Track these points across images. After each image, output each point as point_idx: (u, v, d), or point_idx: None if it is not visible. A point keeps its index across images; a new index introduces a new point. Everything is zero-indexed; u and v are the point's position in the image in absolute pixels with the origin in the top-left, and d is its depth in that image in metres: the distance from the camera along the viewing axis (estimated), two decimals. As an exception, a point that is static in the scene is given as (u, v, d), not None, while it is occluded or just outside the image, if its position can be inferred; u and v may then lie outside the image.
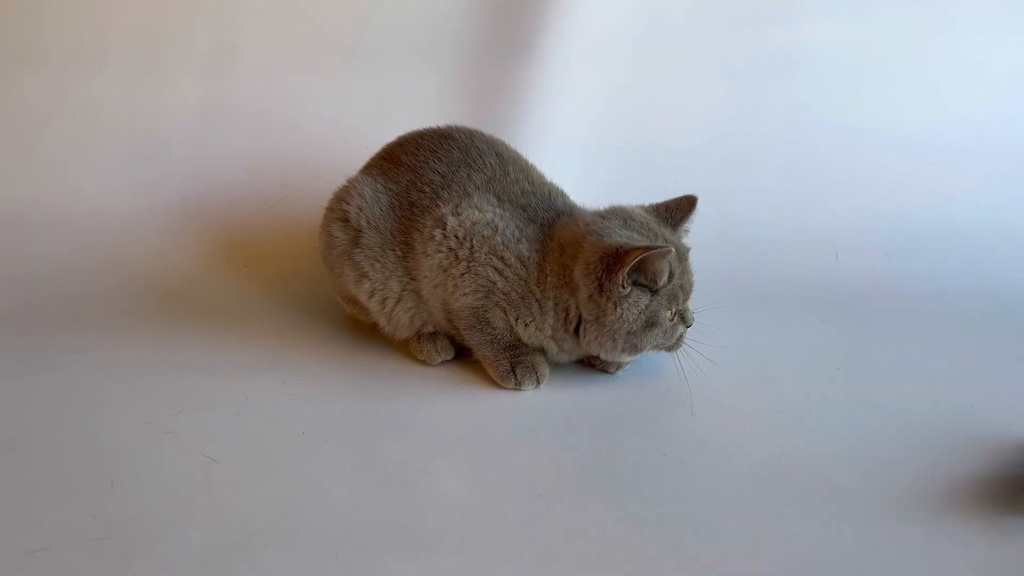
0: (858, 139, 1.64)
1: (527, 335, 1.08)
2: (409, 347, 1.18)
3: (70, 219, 1.52)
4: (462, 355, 1.17)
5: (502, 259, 1.07)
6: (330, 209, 1.19)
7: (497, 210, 1.10)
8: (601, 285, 1.00)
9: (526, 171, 1.17)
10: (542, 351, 1.11)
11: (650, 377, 1.13)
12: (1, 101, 1.56)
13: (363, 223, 1.14)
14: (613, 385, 1.11)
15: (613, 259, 0.99)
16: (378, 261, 1.14)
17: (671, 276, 1.03)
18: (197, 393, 1.08)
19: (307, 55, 1.61)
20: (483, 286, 1.08)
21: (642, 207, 1.12)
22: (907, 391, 1.09)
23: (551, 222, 1.09)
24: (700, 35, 1.65)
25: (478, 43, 1.62)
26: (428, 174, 1.14)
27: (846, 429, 1.00)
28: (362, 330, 1.25)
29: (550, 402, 1.06)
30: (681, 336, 1.08)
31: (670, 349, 1.08)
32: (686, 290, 1.07)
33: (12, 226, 1.50)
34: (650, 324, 1.03)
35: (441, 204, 1.11)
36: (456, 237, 1.09)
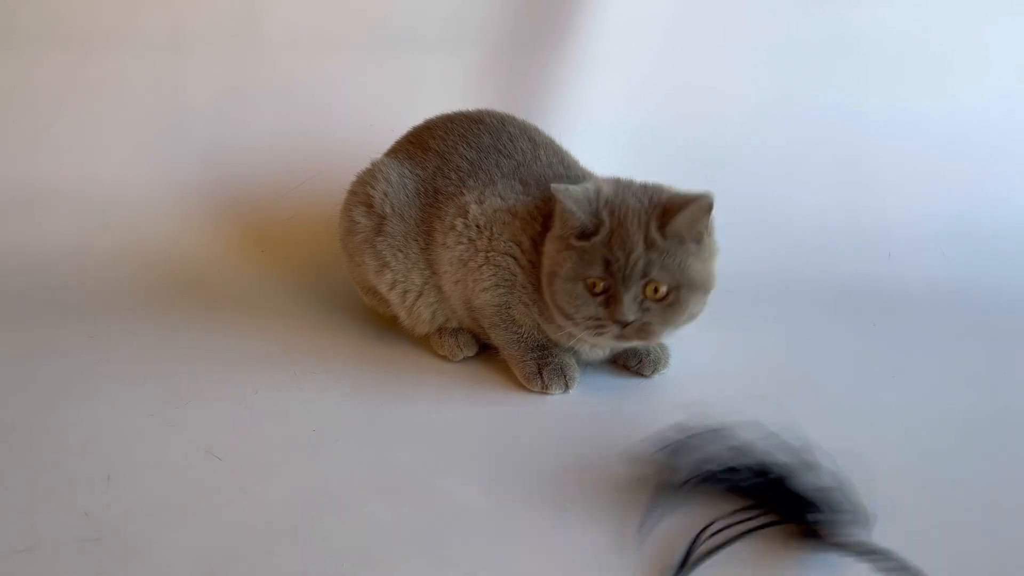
0: (915, 129, 1.53)
1: (552, 330, 1.00)
2: (430, 342, 1.11)
3: (83, 199, 1.47)
4: (485, 351, 1.10)
5: (519, 244, 0.99)
6: (353, 192, 1.13)
7: (521, 197, 1.02)
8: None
9: (560, 155, 1.10)
10: (574, 352, 1.03)
11: (688, 381, 1.04)
12: (18, 77, 1.51)
13: (387, 209, 1.08)
14: (648, 390, 1.03)
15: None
16: (400, 251, 1.07)
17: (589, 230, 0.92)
18: (205, 383, 1.02)
19: (333, 35, 1.54)
20: (505, 279, 1.00)
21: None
22: (967, 402, 1.00)
23: None
24: (742, 16, 1.55)
25: (508, 24, 1.55)
26: (456, 160, 1.07)
27: (900, 443, 0.91)
28: (380, 322, 1.18)
29: (578, 408, 0.98)
30: (605, 330, 0.93)
31: (594, 343, 0.99)
32: (626, 271, 0.90)
33: (24, 204, 1.45)
34: (551, 273, 0.94)
35: (466, 192, 1.04)
36: (476, 226, 1.02)
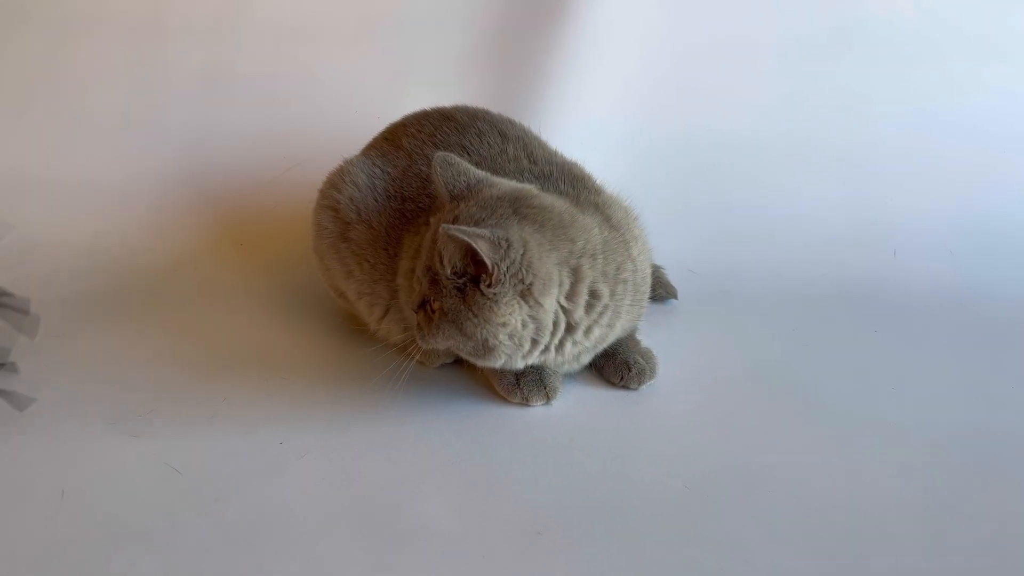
0: (922, 124, 1.47)
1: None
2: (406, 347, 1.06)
3: (54, 189, 1.42)
4: (463, 360, 1.04)
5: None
6: (322, 195, 1.08)
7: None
8: None
9: (528, 149, 1.04)
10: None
11: (676, 394, 0.99)
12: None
13: (352, 216, 1.03)
14: (633, 402, 0.97)
15: None
16: (367, 260, 1.02)
17: None
18: (172, 389, 0.98)
19: (318, 22, 1.50)
20: None
21: None
22: (975, 414, 0.94)
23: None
24: (743, 8, 1.50)
25: (499, 14, 1.49)
26: (420, 163, 1.02)
27: (904, 460, 0.86)
28: (356, 324, 1.13)
29: (559, 420, 0.93)
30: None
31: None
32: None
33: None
34: None
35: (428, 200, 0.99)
36: (431, 236, 0.94)
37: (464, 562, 0.72)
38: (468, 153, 1.02)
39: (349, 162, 1.09)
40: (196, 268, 1.33)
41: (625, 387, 0.99)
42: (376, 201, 1.03)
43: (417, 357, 1.03)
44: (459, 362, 1.04)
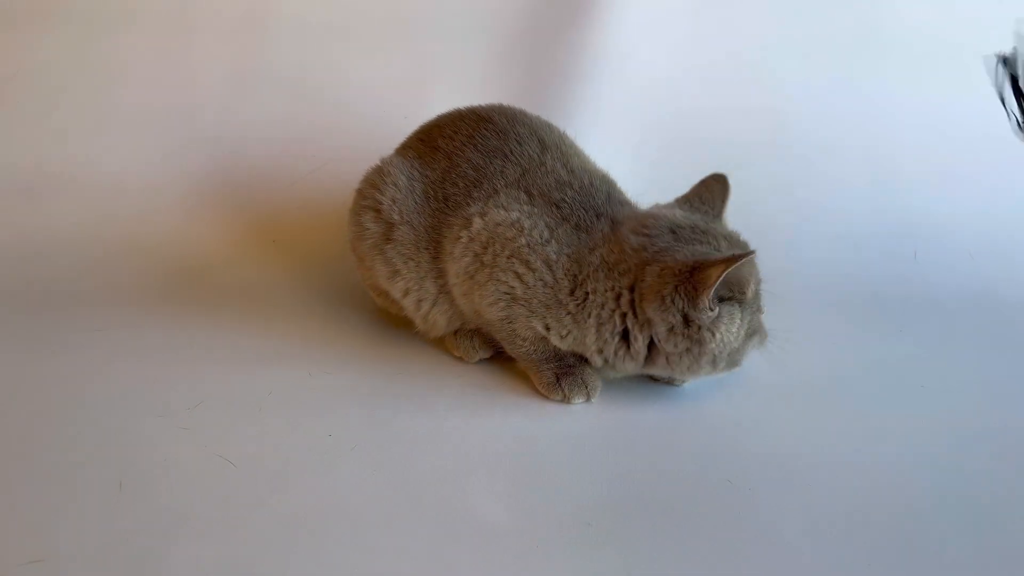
0: (942, 125, 1.49)
1: (565, 345, 0.96)
2: (446, 342, 1.08)
3: (88, 185, 1.43)
4: (502, 355, 1.06)
5: (526, 263, 0.95)
6: (361, 195, 1.09)
7: (525, 208, 0.97)
8: (686, 317, 0.88)
9: (565, 159, 1.04)
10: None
11: (717, 391, 1.01)
12: (21, 57, 1.47)
13: (396, 217, 1.04)
14: (675, 399, 0.99)
15: (692, 285, 0.86)
16: (412, 259, 1.04)
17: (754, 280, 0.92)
18: (217, 383, 0.99)
19: (346, 20, 1.50)
20: (505, 293, 0.96)
21: (674, 204, 1.01)
22: (1002, 415, 0.97)
23: (588, 226, 0.96)
24: (765, 9, 1.51)
25: (526, 13, 1.50)
26: (462, 165, 1.03)
27: (938, 456, 0.88)
28: (394, 320, 1.15)
29: (602, 416, 0.95)
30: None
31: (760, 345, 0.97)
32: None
33: (26, 191, 1.40)
34: (750, 334, 0.93)
35: (471, 202, 1.00)
36: (480, 241, 0.97)
37: (517, 552, 0.74)
38: (508, 160, 1.02)
39: (387, 162, 1.09)
40: (230, 265, 1.34)
41: (669, 382, 1.01)
42: (416, 203, 1.03)
43: (457, 352, 1.06)
44: (496, 357, 1.06)
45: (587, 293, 0.93)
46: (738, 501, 0.81)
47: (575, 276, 0.93)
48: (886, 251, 1.37)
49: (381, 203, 1.05)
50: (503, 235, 0.96)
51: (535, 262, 0.94)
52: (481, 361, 1.06)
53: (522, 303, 0.95)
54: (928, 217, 1.43)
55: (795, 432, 0.93)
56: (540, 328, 0.96)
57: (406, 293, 1.05)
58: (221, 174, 1.47)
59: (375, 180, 1.07)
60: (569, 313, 0.94)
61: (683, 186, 1.25)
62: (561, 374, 0.97)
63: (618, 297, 0.91)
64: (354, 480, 0.83)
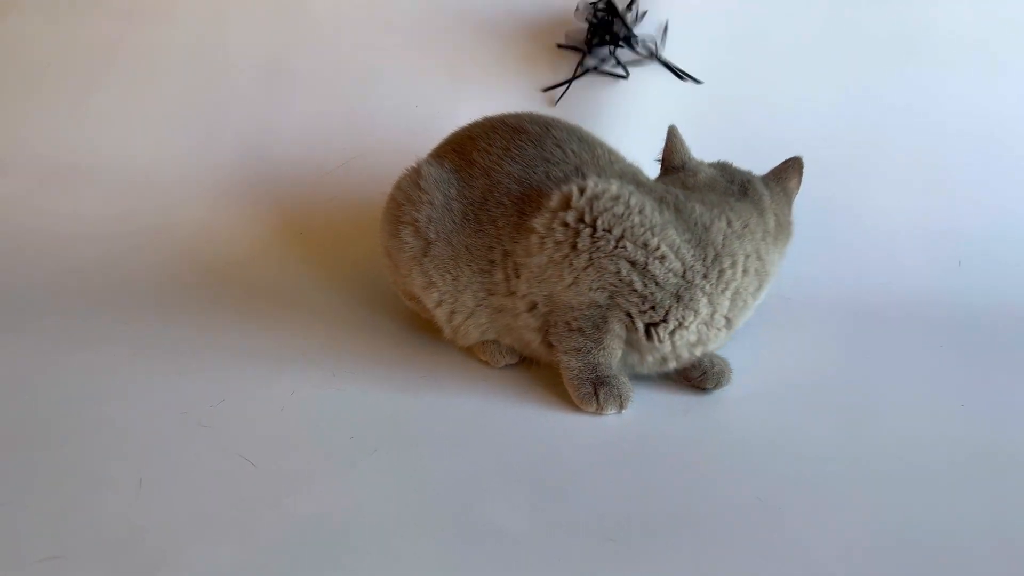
0: (989, 130, 1.44)
1: (672, 341, 0.92)
2: (473, 348, 1.07)
3: (118, 176, 1.44)
4: (526, 361, 1.05)
5: (646, 247, 0.88)
6: (398, 207, 1.04)
7: (628, 185, 0.91)
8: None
9: (612, 153, 1.03)
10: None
11: (748, 405, 0.98)
12: (57, 48, 1.48)
13: (432, 235, 1.01)
14: (703, 408, 0.97)
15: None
16: (449, 273, 1.01)
17: None
18: (239, 381, 0.99)
19: (378, 13, 1.49)
20: (612, 284, 0.90)
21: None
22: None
23: (681, 204, 0.91)
24: (807, 10, 1.46)
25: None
26: (504, 181, 0.99)
27: (974, 483, 0.84)
28: (421, 322, 1.14)
29: (629, 427, 0.93)
30: None
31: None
32: None
33: (56, 182, 1.42)
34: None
35: (525, 216, 0.96)
36: (568, 224, 0.89)
37: (536, 565, 0.72)
38: (551, 164, 0.99)
39: (421, 174, 1.04)
40: (257, 260, 1.35)
41: (700, 386, 0.99)
42: (454, 223, 1.00)
43: (483, 356, 1.05)
44: (521, 363, 1.05)
45: (722, 268, 0.90)
46: (767, 520, 0.78)
47: (704, 256, 0.89)
48: (928, 259, 1.32)
49: (418, 220, 1.02)
50: (610, 210, 0.89)
51: (662, 248, 0.88)
52: (506, 366, 1.04)
53: (637, 297, 0.89)
54: (974, 224, 1.38)
55: (828, 450, 0.89)
56: (639, 324, 0.91)
57: (439, 304, 1.03)
58: (250, 168, 1.48)
59: (411, 194, 1.03)
60: (706, 294, 0.90)
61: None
62: (598, 384, 0.94)
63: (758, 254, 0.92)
64: (374, 484, 0.82)
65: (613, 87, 1.43)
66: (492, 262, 0.99)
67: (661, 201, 0.92)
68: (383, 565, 0.72)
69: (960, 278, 1.31)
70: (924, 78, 1.45)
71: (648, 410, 0.96)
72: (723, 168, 1.02)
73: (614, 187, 0.90)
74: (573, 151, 1.00)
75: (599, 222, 0.89)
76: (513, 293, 0.98)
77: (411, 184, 1.04)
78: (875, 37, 1.45)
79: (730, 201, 0.95)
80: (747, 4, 1.47)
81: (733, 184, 0.98)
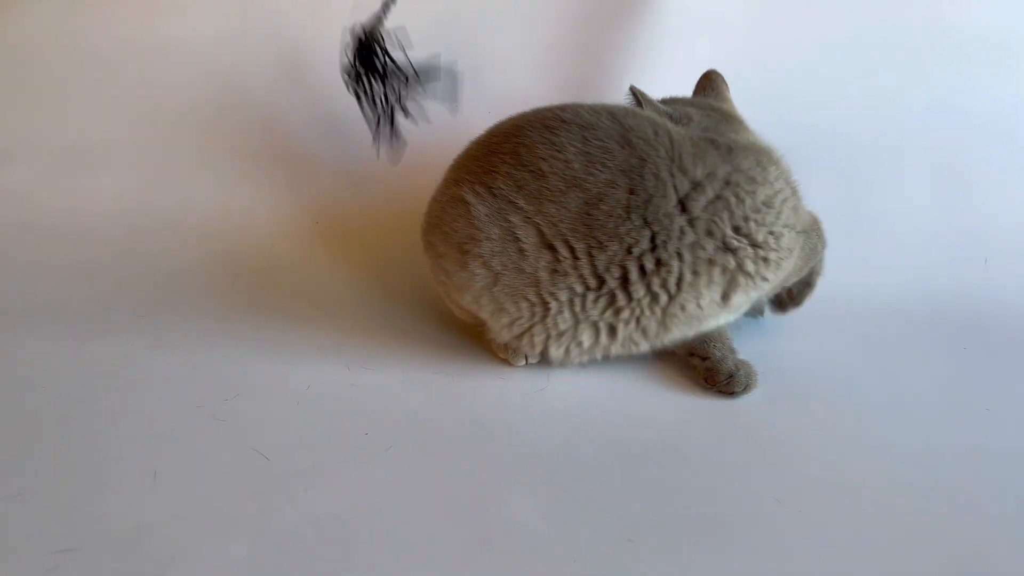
0: (1016, 125, 1.41)
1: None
2: (492, 345, 1.05)
3: (133, 168, 1.44)
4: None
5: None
6: (460, 247, 0.96)
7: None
8: None
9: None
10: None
11: (770, 406, 0.96)
12: (72, 36, 1.47)
13: (498, 267, 0.94)
14: (725, 408, 0.95)
15: None
16: (527, 300, 0.95)
17: None
18: (255, 375, 0.99)
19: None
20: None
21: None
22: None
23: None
24: (828, 7, 1.44)
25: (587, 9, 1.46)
26: (607, 191, 0.90)
27: (999, 488, 0.82)
28: (436, 313, 1.13)
29: (648, 424, 0.92)
30: None
31: None
32: None
33: (74, 168, 1.41)
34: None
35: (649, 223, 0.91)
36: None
37: (553, 565, 0.71)
38: (652, 149, 0.92)
39: (472, 214, 0.95)
40: (274, 251, 1.34)
41: (728, 391, 0.97)
42: (524, 252, 0.93)
43: (502, 355, 1.03)
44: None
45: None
46: (786, 523, 0.76)
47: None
48: (953, 258, 1.30)
49: (481, 255, 0.95)
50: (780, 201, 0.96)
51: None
52: (526, 364, 1.03)
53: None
54: (1001, 221, 1.35)
55: (849, 452, 0.88)
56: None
57: (511, 326, 0.98)
58: (266, 160, 1.47)
59: (472, 233, 0.95)
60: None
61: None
62: (737, 363, 0.99)
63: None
64: (388, 480, 0.81)
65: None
66: (624, 278, 0.93)
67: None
68: (397, 562, 0.71)
69: (986, 277, 1.28)
70: (949, 74, 1.42)
71: (668, 410, 0.94)
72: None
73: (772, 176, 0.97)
74: (654, 133, 0.93)
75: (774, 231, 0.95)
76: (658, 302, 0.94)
77: (467, 225, 0.96)
78: (898, 33, 1.43)
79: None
80: (765, 3, 1.45)
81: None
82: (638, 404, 0.95)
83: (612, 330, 0.95)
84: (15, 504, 0.76)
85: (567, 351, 0.98)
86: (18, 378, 0.98)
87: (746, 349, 1.03)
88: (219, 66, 1.49)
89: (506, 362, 1.03)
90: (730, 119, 1.07)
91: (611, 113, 0.95)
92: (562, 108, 0.96)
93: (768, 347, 1.09)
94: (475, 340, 1.08)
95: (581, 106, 0.96)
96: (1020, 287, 1.25)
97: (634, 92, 1.02)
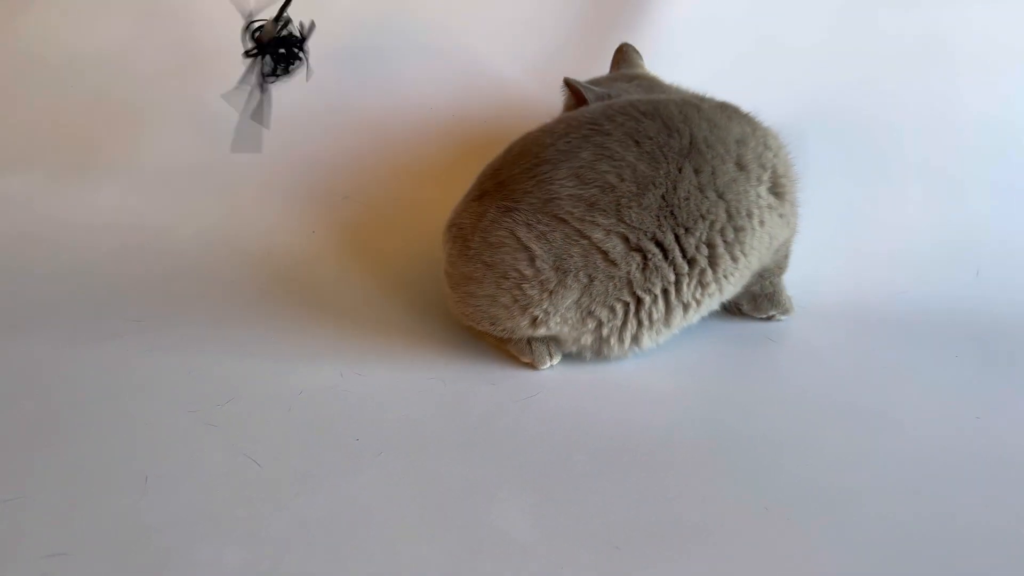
0: (1008, 133, 1.42)
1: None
2: (510, 348, 1.05)
3: (131, 175, 1.44)
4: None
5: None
6: (484, 262, 0.98)
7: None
8: None
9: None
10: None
11: (759, 411, 0.97)
12: (75, 42, 1.48)
13: (585, 280, 0.96)
14: (716, 415, 0.96)
15: None
16: (620, 301, 0.98)
17: None
18: (249, 380, 0.99)
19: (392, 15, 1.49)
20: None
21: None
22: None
23: None
24: (819, 14, 1.45)
25: (585, 11, 1.47)
26: (679, 179, 0.95)
27: (989, 496, 0.83)
28: (433, 318, 1.13)
29: (639, 431, 0.92)
30: None
31: None
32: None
33: (74, 173, 1.42)
34: None
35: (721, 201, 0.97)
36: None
37: (541, 571, 0.71)
38: (683, 126, 0.98)
39: (525, 248, 0.95)
40: (270, 257, 1.34)
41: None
42: (613, 262, 0.95)
43: (525, 359, 1.03)
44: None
45: None
46: (776, 529, 0.77)
47: None
48: (944, 268, 1.31)
49: (527, 278, 0.96)
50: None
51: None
52: (524, 368, 1.04)
53: None
54: (993, 232, 1.36)
55: (840, 459, 0.88)
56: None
57: (597, 330, 1.00)
58: (264, 167, 1.47)
59: (508, 263, 0.96)
60: None
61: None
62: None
63: None
64: (379, 486, 0.82)
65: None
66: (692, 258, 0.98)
67: None
68: (388, 567, 0.71)
69: (978, 288, 1.29)
70: (943, 85, 1.43)
71: (659, 417, 0.95)
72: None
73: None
74: (680, 112, 0.99)
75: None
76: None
77: (538, 265, 0.96)
78: (893, 44, 1.44)
79: None
80: (758, 7, 1.46)
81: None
82: (629, 411, 0.95)
83: (697, 304, 1.00)
84: (9, 508, 0.77)
85: (652, 336, 1.01)
86: (13, 382, 0.99)
87: (736, 357, 1.03)
88: (218, 77, 1.50)
89: (530, 366, 1.03)
90: (660, 84, 1.17)
91: (636, 108, 0.98)
92: (593, 120, 0.97)
93: (760, 352, 1.10)
94: (469, 346, 1.08)
95: (606, 111, 0.99)
96: (1010, 299, 1.25)
97: (569, 83, 1.09)
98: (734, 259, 0.99)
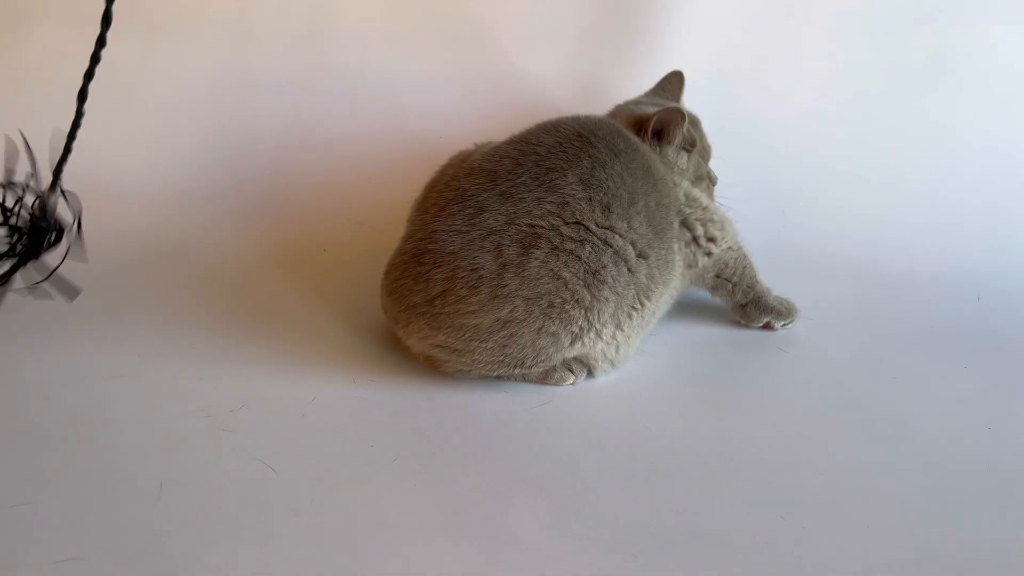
0: (1013, 162, 1.45)
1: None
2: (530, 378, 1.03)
3: (143, 190, 1.46)
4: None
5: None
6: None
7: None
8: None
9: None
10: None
11: (774, 422, 0.97)
12: (82, 61, 1.47)
13: (620, 290, 1.00)
14: (730, 424, 0.96)
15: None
16: (635, 309, 1.02)
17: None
18: (262, 387, 0.99)
19: (403, 31, 1.50)
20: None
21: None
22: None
23: None
24: (824, 40, 1.47)
25: (588, 27, 1.48)
26: (651, 192, 1.04)
27: (1000, 506, 0.83)
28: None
29: (653, 439, 0.92)
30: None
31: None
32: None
33: (84, 191, 1.42)
34: (699, 178, 1.20)
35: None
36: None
37: (559, 581, 0.71)
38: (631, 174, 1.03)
39: (531, 257, 0.94)
40: (279, 269, 1.34)
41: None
42: (632, 270, 0.99)
43: (549, 381, 1.02)
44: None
45: None
46: (790, 539, 0.77)
47: None
48: (948, 294, 1.33)
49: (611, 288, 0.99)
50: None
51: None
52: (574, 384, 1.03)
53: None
54: (994, 262, 1.40)
55: (852, 470, 0.88)
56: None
57: (616, 333, 1.02)
58: (274, 183, 1.50)
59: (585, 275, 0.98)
60: None
61: (738, 213, 1.22)
62: None
63: None
64: (394, 493, 0.81)
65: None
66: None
67: None
68: (402, 573, 0.71)
69: (979, 312, 1.29)
70: (943, 111, 1.46)
71: (672, 425, 0.95)
72: None
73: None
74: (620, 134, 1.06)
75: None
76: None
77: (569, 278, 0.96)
78: (894, 72, 1.47)
79: None
80: (762, 30, 1.48)
81: None
82: (642, 419, 0.95)
83: (670, 300, 1.11)
84: (23, 513, 0.76)
85: (636, 342, 1.06)
86: (26, 388, 0.98)
87: (748, 366, 1.03)
88: (225, 98, 1.51)
89: (556, 385, 1.02)
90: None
91: (598, 124, 1.04)
92: (578, 134, 1.01)
93: (771, 365, 1.10)
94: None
95: (581, 123, 1.04)
96: (1013, 324, 1.25)
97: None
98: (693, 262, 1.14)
